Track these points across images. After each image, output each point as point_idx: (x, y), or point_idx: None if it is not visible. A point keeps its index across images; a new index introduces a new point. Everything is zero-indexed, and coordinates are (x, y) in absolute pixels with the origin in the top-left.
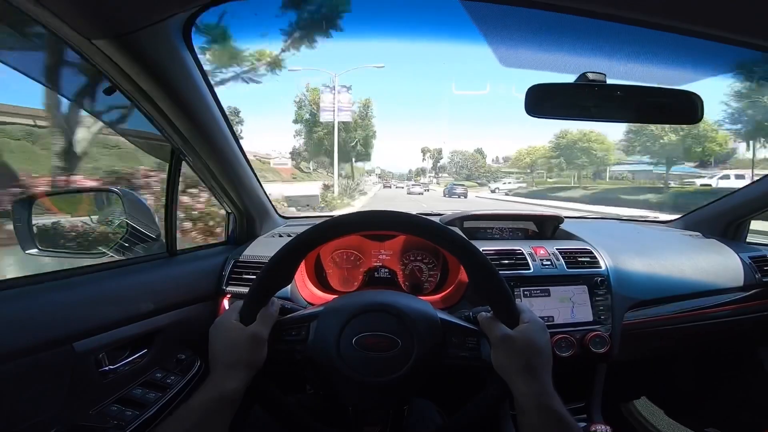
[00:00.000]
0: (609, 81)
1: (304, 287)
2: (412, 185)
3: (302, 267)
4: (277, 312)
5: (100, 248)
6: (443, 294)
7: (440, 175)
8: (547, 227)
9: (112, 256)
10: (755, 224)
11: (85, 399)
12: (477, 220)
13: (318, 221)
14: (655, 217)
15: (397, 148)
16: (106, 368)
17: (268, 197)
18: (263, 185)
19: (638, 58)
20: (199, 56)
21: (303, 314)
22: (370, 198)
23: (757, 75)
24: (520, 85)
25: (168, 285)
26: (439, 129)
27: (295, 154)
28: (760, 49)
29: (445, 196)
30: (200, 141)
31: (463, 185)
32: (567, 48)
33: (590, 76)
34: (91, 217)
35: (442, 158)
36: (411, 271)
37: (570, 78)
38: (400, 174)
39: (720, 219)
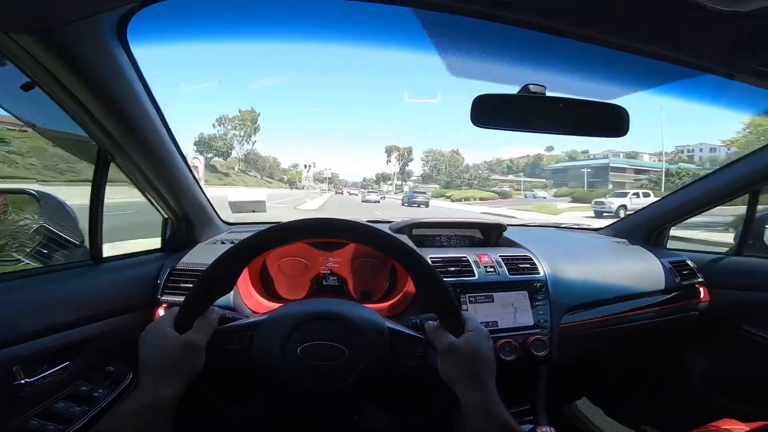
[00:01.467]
0: (548, 93)
1: (248, 296)
2: (368, 192)
3: (246, 275)
4: (216, 320)
5: (13, 255)
6: (391, 302)
7: (407, 181)
8: (492, 235)
9: (27, 263)
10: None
11: None
12: (425, 228)
13: (264, 227)
14: (588, 225)
15: (349, 158)
16: (22, 381)
17: (209, 202)
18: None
19: (574, 71)
20: (136, 55)
21: (244, 323)
22: None
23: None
24: (470, 95)
25: (92, 294)
26: (393, 137)
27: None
28: (687, 66)
29: (403, 204)
30: (131, 142)
31: (424, 193)
32: (511, 59)
33: (532, 88)
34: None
35: (412, 159)
36: (359, 279)
37: (514, 89)
38: (353, 182)
39: (643, 227)
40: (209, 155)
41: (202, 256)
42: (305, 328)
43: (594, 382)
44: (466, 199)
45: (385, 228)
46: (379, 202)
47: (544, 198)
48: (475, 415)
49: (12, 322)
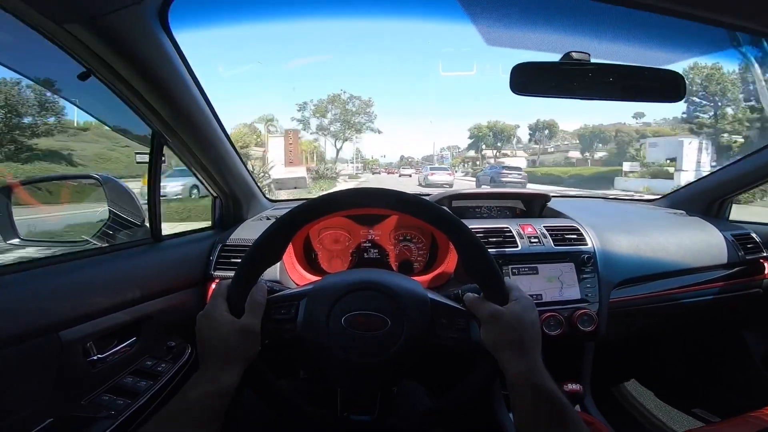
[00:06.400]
0: (593, 60)
1: (293, 269)
2: (430, 169)
3: (290, 249)
4: (264, 299)
5: (82, 236)
6: (432, 274)
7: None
8: (535, 206)
9: (95, 244)
10: None
11: (75, 389)
12: (465, 199)
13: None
14: (640, 196)
15: (383, 137)
16: (95, 357)
17: (254, 180)
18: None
19: (621, 37)
20: (178, 39)
21: (293, 292)
22: None
23: (741, 56)
24: (506, 65)
25: (154, 271)
26: (428, 112)
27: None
28: (744, 31)
29: (479, 183)
30: (182, 124)
31: (519, 169)
32: (551, 27)
33: (574, 55)
34: (73, 204)
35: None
36: (400, 251)
37: (554, 57)
38: (387, 163)
39: (703, 197)
40: None
41: (249, 231)
42: (351, 297)
43: (644, 363)
44: None
45: None
46: (452, 185)
47: None
48: (519, 385)
49: (85, 298)
